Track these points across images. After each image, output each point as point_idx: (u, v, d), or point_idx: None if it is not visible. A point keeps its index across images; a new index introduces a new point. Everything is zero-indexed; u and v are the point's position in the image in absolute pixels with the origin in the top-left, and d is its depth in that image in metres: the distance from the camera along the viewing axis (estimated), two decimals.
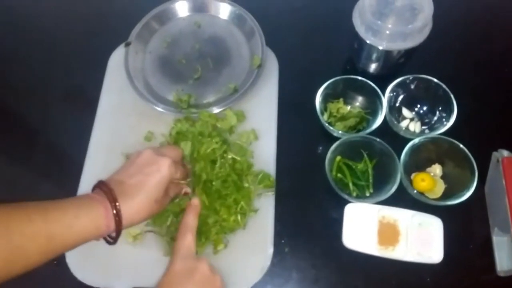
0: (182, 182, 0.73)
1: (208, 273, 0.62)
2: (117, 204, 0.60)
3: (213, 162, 0.77)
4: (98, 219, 0.58)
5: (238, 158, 0.79)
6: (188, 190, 0.74)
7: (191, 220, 0.67)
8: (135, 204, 0.62)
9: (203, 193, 0.74)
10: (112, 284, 0.74)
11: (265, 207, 0.78)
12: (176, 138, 0.80)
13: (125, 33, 0.94)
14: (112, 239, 0.63)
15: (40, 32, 1.02)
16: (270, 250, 0.76)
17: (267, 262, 0.75)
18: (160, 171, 0.65)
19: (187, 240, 0.64)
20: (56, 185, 0.85)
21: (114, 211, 0.59)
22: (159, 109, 0.85)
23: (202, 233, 0.73)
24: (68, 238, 0.57)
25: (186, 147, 0.78)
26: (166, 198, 0.68)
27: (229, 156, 0.79)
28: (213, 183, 0.75)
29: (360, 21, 0.80)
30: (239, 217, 0.75)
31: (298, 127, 0.88)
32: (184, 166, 0.73)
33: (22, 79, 0.97)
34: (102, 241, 0.64)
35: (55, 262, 0.75)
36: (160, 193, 0.64)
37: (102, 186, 0.62)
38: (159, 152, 0.68)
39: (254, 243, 0.76)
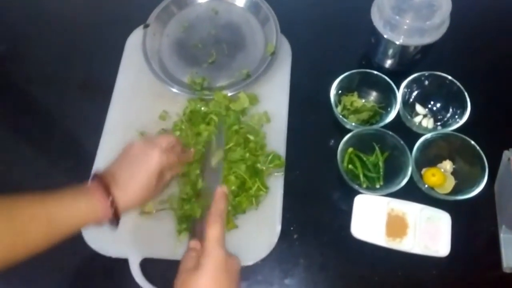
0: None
1: (239, 269, 0.64)
2: (111, 194, 0.62)
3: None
4: (95, 205, 0.61)
5: (252, 138, 0.80)
6: (182, 169, 0.77)
7: (222, 206, 0.67)
8: (128, 193, 0.64)
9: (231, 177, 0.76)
10: (125, 254, 0.75)
11: (275, 187, 0.80)
12: (190, 116, 0.81)
13: (142, 16, 0.95)
14: (112, 224, 0.65)
15: (60, 14, 1.03)
16: (278, 227, 0.77)
17: (274, 239, 0.76)
18: (149, 162, 0.67)
19: (221, 227, 0.64)
20: (73, 164, 0.86)
21: (109, 201, 0.62)
22: (174, 90, 0.86)
23: None
24: (68, 222, 0.59)
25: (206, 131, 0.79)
26: (160, 183, 0.70)
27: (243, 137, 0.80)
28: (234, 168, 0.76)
29: (379, 16, 0.81)
30: (253, 199, 0.76)
31: (309, 117, 0.88)
32: (178, 150, 0.75)
33: (43, 60, 0.98)
34: None
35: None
36: (151, 181, 0.67)
37: (96, 178, 0.64)
38: (149, 143, 0.70)
39: (263, 221, 0.77)
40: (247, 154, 0.78)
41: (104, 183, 0.63)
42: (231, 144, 0.79)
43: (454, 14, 0.79)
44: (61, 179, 0.83)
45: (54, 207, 0.58)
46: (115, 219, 0.63)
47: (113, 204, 0.62)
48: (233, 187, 0.75)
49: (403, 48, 0.82)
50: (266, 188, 0.78)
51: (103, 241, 0.76)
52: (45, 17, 1.04)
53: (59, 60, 0.98)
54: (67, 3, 1.06)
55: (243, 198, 0.75)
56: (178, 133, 0.82)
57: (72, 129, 0.91)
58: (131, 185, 0.65)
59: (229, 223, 0.75)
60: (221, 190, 0.69)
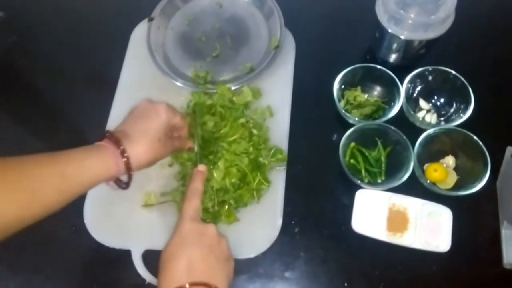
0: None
1: (216, 236, 0.64)
2: (123, 147, 0.63)
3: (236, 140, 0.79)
4: (108, 160, 0.61)
5: (256, 132, 0.81)
6: (191, 144, 0.77)
7: (198, 185, 0.69)
8: (140, 147, 0.64)
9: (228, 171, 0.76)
10: (128, 245, 0.76)
11: (276, 181, 0.80)
12: (194, 108, 0.81)
13: (147, 9, 0.95)
14: (124, 184, 0.66)
15: (66, 7, 1.04)
16: (279, 221, 0.78)
17: (276, 232, 0.77)
18: (158, 115, 0.68)
19: (194, 203, 0.66)
20: None
21: (121, 152, 0.62)
22: (178, 83, 0.87)
23: (217, 212, 0.75)
24: (81, 177, 0.59)
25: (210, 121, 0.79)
26: (169, 142, 0.71)
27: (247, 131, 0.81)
28: (236, 162, 0.76)
29: (383, 10, 0.81)
30: (255, 192, 0.77)
31: (312, 111, 0.89)
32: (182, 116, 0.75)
33: (46, 57, 0.99)
34: (119, 204, 0.70)
35: (73, 228, 0.79)
36: (161, 134, 0.67)
37: (106, 135, 0.65)
38: (156, 101, 0.71)
39: (264, 214, 0.78)
40: (251, 148, 0.78)
41: (115, 138, 0.63)
42: (235, 136, 0.79)
43: (459, 9, 0.78)
44: None
45: (66, 164, 0.59)
46: (128, 173, 0.64)
47: (125, 158, 0.62)
48: (234, 180, 0.75)
49: (408, 43, 0.82)
50: (268, 182, 0.79)
51: (106, 233, 0.77)
52: (52, 11, 1.04)
53: (65, 53, 0.99)
54: None
55: (244, 191, 0.76)
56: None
57: (77, 121, 0.92)
58: (142, 138, 0.65)
59: (231, 216, 0.76)
60: (197, 170, 0.70)
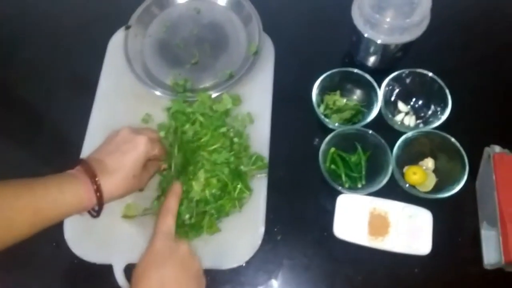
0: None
1: (188, 254, 0.63)
2: (97, 180, 0.63)
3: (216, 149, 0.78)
4: (80, 194, 0.62)
5: (237, 140, 0.80)
6: (165, 166, 0.78)
7: (172, 203, 0.68)
8: (114, 180, 0.65)
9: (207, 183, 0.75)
10: (109, 260, 0.75)
11: (258, 189, 0.80)
12: (175, 116, 0.81)
13: (125, 17, 0.94)
14: (95, 212, 0.67)
15: (42, 16, 1.03)
16: (262, 229, 0.77)
17: (258, 241, 0.77)
18: (136, 149, 0.68)
19: (168, 221, 0.66)
20: (56, 167, 0.85)
21: (95, 187, 0.63)
22: (157, 92, 0.86)
23: (197, 223, 0.75)
24: (53, 212, 0.61)
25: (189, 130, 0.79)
26: (145, 174, 0.72)
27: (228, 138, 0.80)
28: (217, 172, 0.76)
29: (359, 14, 0.81)
30: (236, 202, 0.77)
31: (293, 116, 0.88)
32: (161, 145, 0.76)
33: (25, 63, 0.98)
34: (99, 218, 0.68)
35: (54, 244, 0.78)
36: (137, 169, 0.68)
37: (82, 164, 0.65)
38: (136, 131, 0.71)
39: (246, 223, 0.78)
40: (232, 158, 0.78)
41: (91, 170, 0.64)
42: (216, 146, 0.78)
43: (435, 11, 0.78)
44: None
45: (40, 196, 0.60)
46: (99, 207, 0.65)
47: (99, 192, 0.63)
48: (214, 190, 0.75)
49: (384, 46, 0.82)
50: (250, 190, 0.78)
51: (87, 248, 0.77)
52: (30, 17, 1.03)
53: (44, 60, 0.98)
54: (52, 3, 1.04)
55: (225, 201, 0.75)
56: (163, 133, 0.82)
57: (55, 131, 0.91)
58: (117, 173, 0.66)
59: (212, 226, 0.75)
60: (173, 188, 0.70)
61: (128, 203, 0.79)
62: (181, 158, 0.76)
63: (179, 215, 0.71)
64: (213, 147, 0.78)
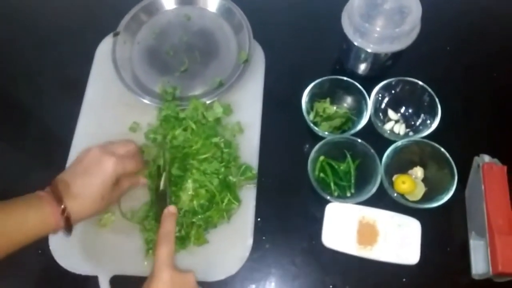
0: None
1: (195, 285, 0.65)
2: (63, 203, 0.63)
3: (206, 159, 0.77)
4: (47, 218, 0.62)
5: (226, 150, 0.79)
6: (144, 180, 0.77)
7: (170, 228, 0.68)
8: (81, 203, 0.65)
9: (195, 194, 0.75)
10: (95, 271, 0.75)
11: (247, 199, 0.79)
12: (165, 119, 0.81)
13: (113, 23, 0.93)
14: (66, 233, 0.66)
15: (30, 22, 1.01)
16: (250, 240, 0.77)
17: (246, 253, 0.76)
18: (104, 171, 0.67)
19: (169, 248, 0.65)
20: (42, 176, 0.84)
21: (61, 210, 0.63)
22: (145, 101, 0.85)
23: (186, 235, 0.74)
24: (19, 236, 0.61)
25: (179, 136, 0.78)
26: (116, 193, 0.71)
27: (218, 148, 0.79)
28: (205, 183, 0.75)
29: (349, 23, 0.80)
30: (224, 213, 0.76)
31: (283, 124, 0.88)
32: (138, 158, 0.75)
33: (12, 70, 0.97)
34: (84, 228, 0.71)
35: (39, 251, 0.78)
36: (106, 191, 0.67)
37: (51, 186, 0.65)
38: (105, 150, 0.70)
39: (234, 234, 0.77)
40: (222, 169, 0.77)
41: (57, 192, 0.63)
42: (207, 155, 0.77)
43: (425, 19, 0.78)
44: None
45: (5, 220, 0.60)
46: (68, 229, 0.65)
47: (65, 215, 0.63)
48: (202, 201, 0.74)
49: (374, 55, 0.81)
50: (238, 201, 0.78)
51: (72, 258, 0.76)
52: (16, 23, 1.02)
53: (30, 67, 0.96)
54: (37, 11, 1.03)
55: (213, 212, 0.75)
56: (152, 135, 0.81)
57: (39, 140, 0.90)
58: (85, 195, 0.65)
59: (200, 238, 0.75)
60: (168, 211, 0.70)
61: (103, 217, 0.78)
62: (170, 166, 0.76)
63: None
64: (204, 156, 0.77)
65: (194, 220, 0.74)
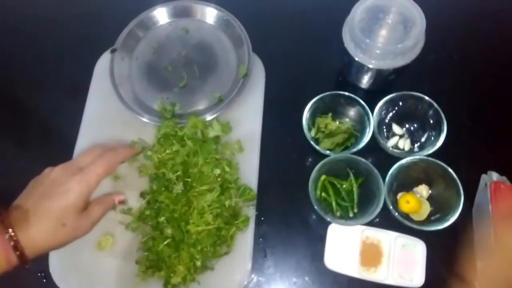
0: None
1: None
2: (12, 233, 0.55)
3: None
4: None
5: (228, 169, 0.77)
6: (122, 197, 0.74)
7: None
8: (36, 232, 0.57)
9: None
10: None
11: None
12: (164, 136, 0.79)
13: (112, 39, 0.91)
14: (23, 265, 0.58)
15: (29, 39, 0.99)
16: (249, 265, 0.75)
17: (245, 278, 0.75)
18: (68, 193, 0.60)
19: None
20: None
21: (12, 244, 0.55)
22: (144, 119, 0.84)
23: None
24: None
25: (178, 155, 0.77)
26: (85, 220, 0.63)
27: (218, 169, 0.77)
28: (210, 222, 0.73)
29: (350, 37, 0.77)
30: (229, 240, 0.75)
31: (284, 140, 0.86)
32: (116, 152, 0.73)
33: (10, 86, 0.95)
34: (83, 251, 0.71)
35: (40, 274, 0.77)
36: (68, 216, 0.60)
37: (2, 214, 0.57)
38: (68, 169, 0.64)
39: (233, 259, 0.75)
40: (228, 201, 0.74)
41: (6, 223, 0.55)
42: (205, 187, 0.75)
43: (430, 32, 0.75)
44: None
45: None
46: (23, 264, 0.56)
47: (19, 251, 0.55)
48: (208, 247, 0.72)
49: (377, 70, 0.79)
50: (241, 229, 0.76)
51: (72, 283, 0.75)
52: (11, 41, 1.00)
53: (26, 85, 0.95)
54: (36, 25, 1.01)
55: (220, 246, 0.74)
56: (149, 153, 0.80)
57: (41, 156, 0.87)
58: (41, 222, 0.57)
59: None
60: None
61: (99, 240, 0.76)
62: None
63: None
64: (202, 187, 0.75)
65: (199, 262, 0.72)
